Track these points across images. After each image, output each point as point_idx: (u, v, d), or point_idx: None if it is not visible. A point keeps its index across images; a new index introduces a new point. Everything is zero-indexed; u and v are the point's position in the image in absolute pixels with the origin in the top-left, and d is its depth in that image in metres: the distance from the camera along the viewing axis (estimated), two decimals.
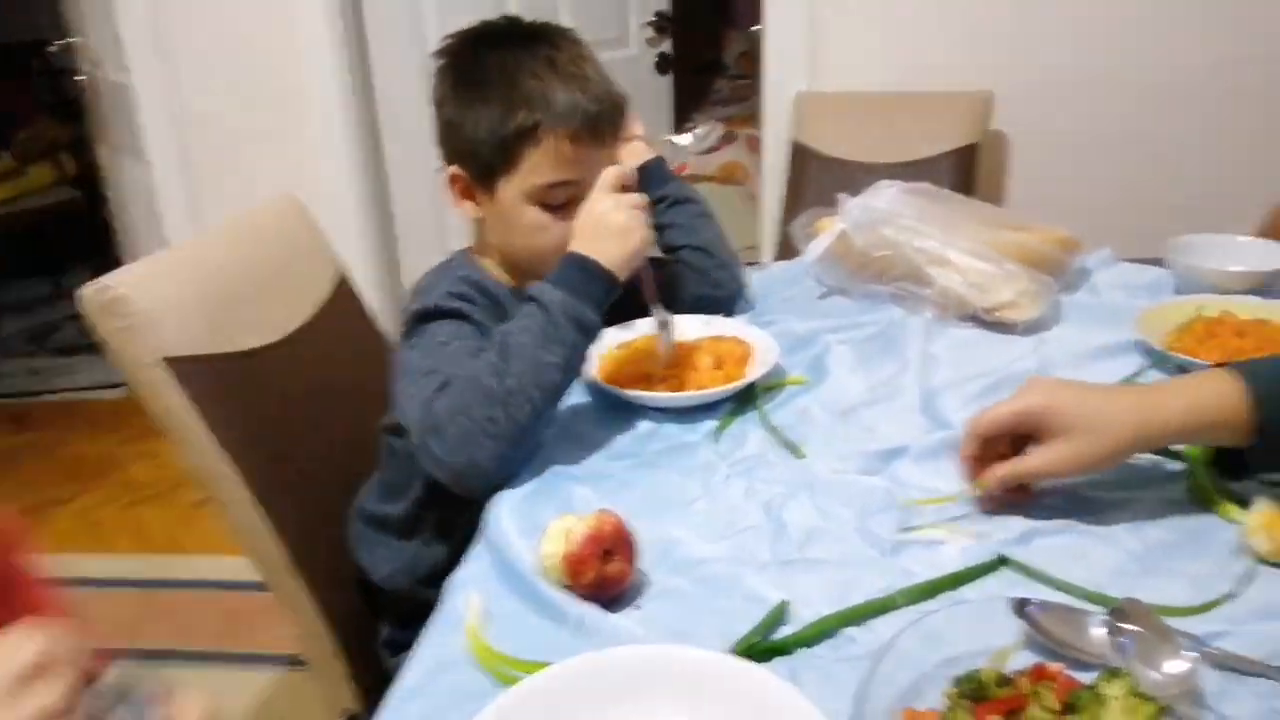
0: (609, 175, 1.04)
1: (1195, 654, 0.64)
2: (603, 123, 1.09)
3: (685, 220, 1.35)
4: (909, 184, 1.36)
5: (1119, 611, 0.67)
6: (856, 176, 2.23)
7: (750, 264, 1.55)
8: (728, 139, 3.56)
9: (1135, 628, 0.65)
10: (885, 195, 1.34)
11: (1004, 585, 0.77)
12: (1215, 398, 0.80)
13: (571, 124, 1.06)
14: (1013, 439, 0.85)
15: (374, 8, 2.57)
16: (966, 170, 2.20)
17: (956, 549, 0.81)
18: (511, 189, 1.10)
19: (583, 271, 1.00)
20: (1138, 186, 2.28)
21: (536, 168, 1.08)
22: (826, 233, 1.37)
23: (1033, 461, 0.81)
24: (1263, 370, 0.81)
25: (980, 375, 1.14)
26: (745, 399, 1.09)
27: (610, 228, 1.01)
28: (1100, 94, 2.28)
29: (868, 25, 2.35)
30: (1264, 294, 1.24)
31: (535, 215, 1.10)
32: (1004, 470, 0.83)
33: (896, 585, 0.77)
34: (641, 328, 1.18)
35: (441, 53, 1.15)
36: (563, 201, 1.09)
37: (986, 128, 2.25)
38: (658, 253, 1.32)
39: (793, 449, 0.99)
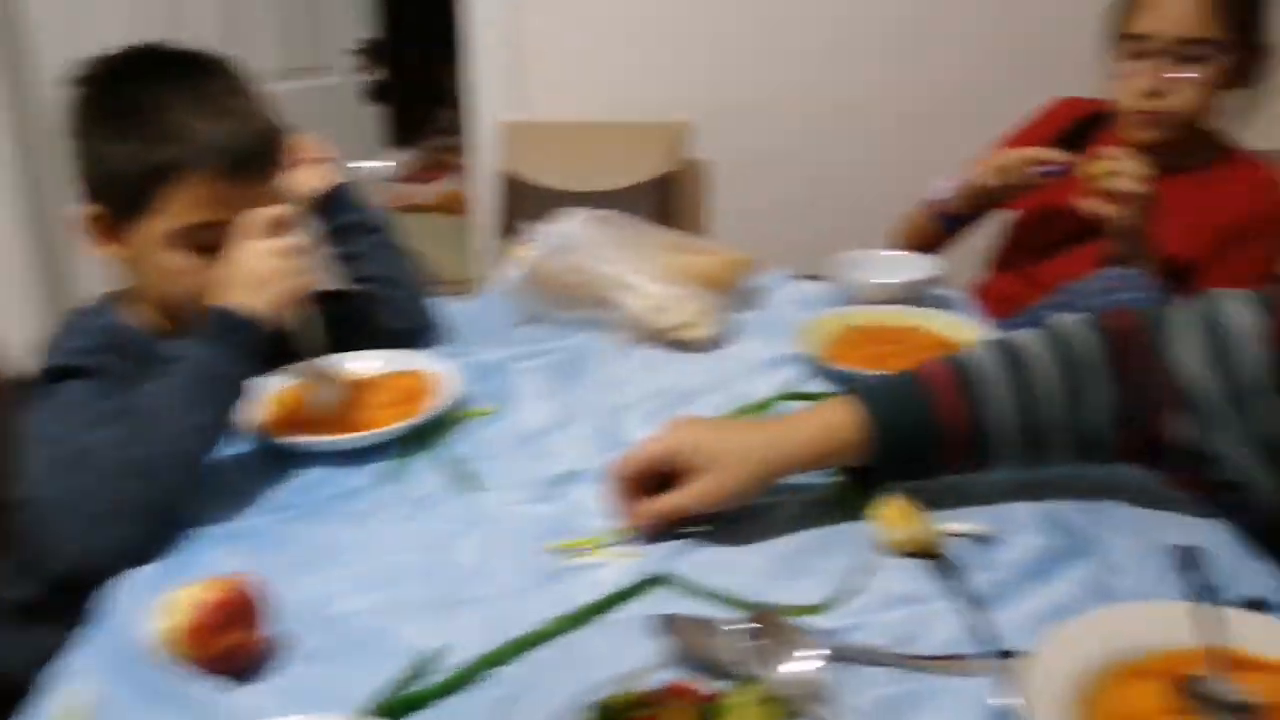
0: (252, 220, 0.98)
1: (822, 650, 0.67)
2: (254, 160, 1.03)
3: (372, 250, 1.30)
4: (596, 211, 1.38)
5: (752, 618, 0.69)
6: (567, 205, 2.29)
7: (455, 294, 1.52)
8: (439, 167, 3.52)
9: (768, 633, 0.68)
10: (573, 223, 1.36)
11: (658, 602, 0.78)
12: (838, 425, 0.86)
13: (217, 161, 0.99)
14: (660, 475, 0.87)
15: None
16: (667, 196, 2.28)
17: (617, 570, 0.82)
18: (155, 231, 1.01)
19: (227, 324, 0.94)
20: (824, 205, 2.45)
21: (181, 208, 1.00)
22: (518, 261, 1.37)
23: (675, 499, 0.84)
24: (879, 393, 0.87)
25: (660, 394, 1.17)
26: (427, 435, 1.06)
27: (253, 277, 0.95)
28: (789, 120, 2.43)
29: (570, 55, 2.39)
30: (915, 303, 1.36)
31: (182, 259, 1.02)
32: (650, 510, 0.85)
33: (554, 614, 0.76)
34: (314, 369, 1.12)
35: (79, 80, 1.05)
36: (213, 243, 1.01)
37: (685, 155, 2.34)
38: (341, 285, 1.27)
39: (469, 482, 0.96)
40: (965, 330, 1.26)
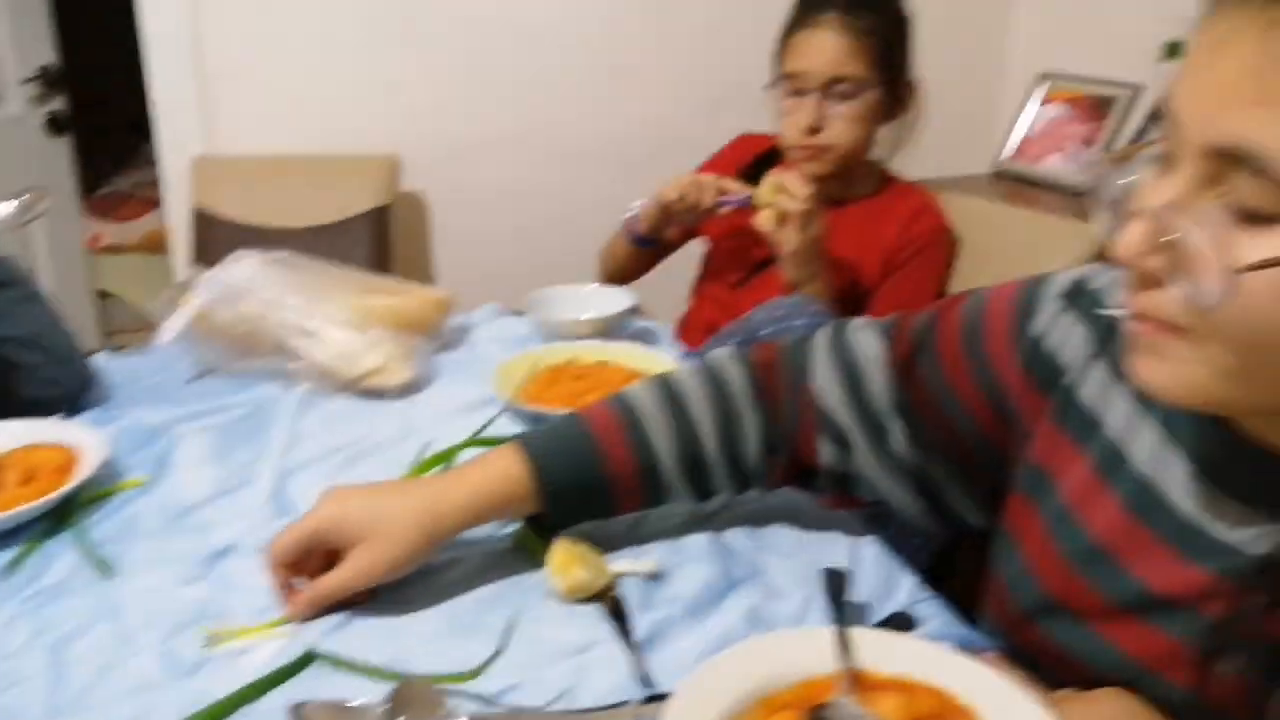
0: None
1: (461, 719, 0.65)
2: None
3: (6, 308, 1.16)
4: (269, 254, 1.30)
5: (397, 693, 0.65)
6: (268, 241, 2.15)
7: (117, 348, 1.39)
8: (142, 204, 3.26)
9: (409, 707, 0.64)
10: (242, 268, 1.27)
11: (313, 682, 0.73)
12: (501, 476, 0.84)
13: None
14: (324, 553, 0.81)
15: None
16: (380, 232, 2.21)
17: (269, 652, 0.76)
18: None
19: None
20: (540, 238, 2.46)
21: None
22: (183, 310, 1.27)
23: (332, 579, 0.79)
24: (542, 440, 0.86)
25: (346, 446, 1.11)
26: (66, 515, 0.95)
27: None
28: (501, 154, 2.43)
29: (266, 88, 2.27)
30: (612, 337, 1.37)
31: None
32: (307, 596, 0.79)
33: (195, 709, 0.69)
34: None
35: None
36: None
37: (397, 189, 2.28)
38: None
39: (103, 568, 0.87)
40: (660, 362, 1.28)
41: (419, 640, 0.78)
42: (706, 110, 2.27)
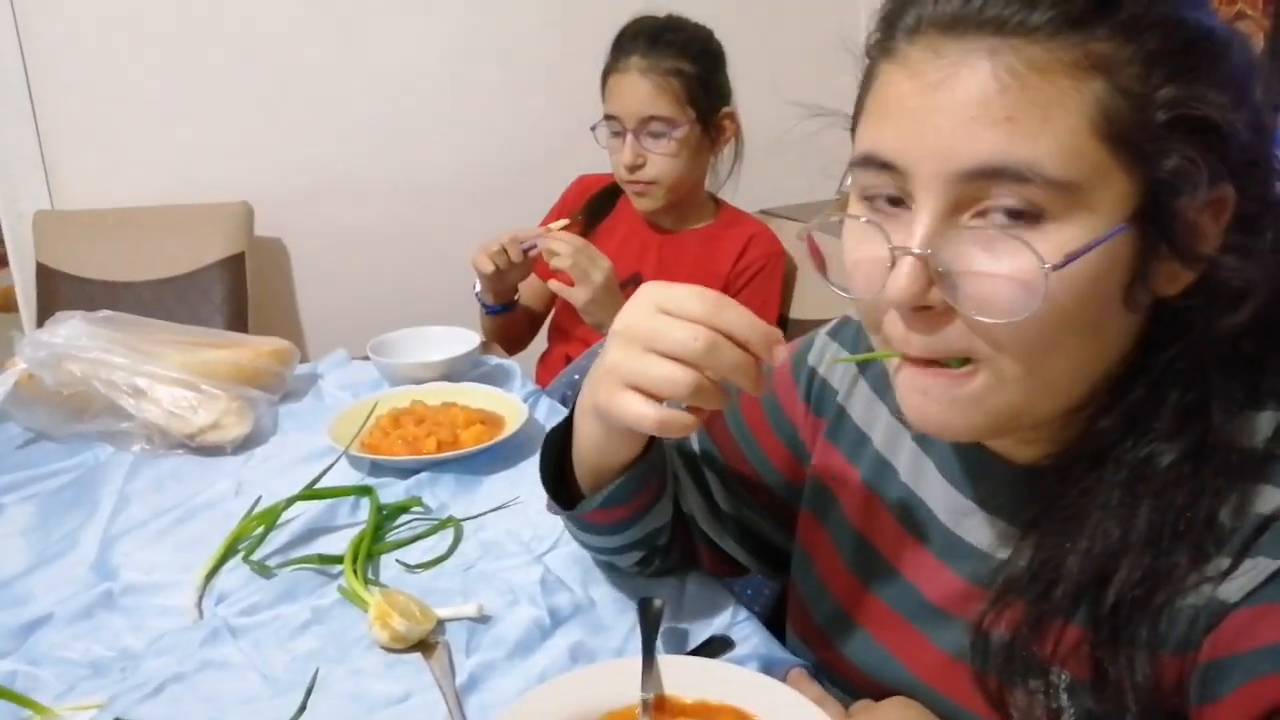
0: None
1: None
2: None
3: None
4: (94, 314, 1.27)
5: None
6: (117, 296, 2.10)
7: None
8: None
9: None
10: (65, 328, 1.24)
11: None
12: None
13: None
14: None
15: None
16: (235, 280, 2.17)
17: None
18: None
19: None
20: (400, 281, 2.44)
21: None
22: (6, 374, 1.23)
23: None
24: None
25: (175, 506, 1.10)
26: None
27: None
28: (358, 198, 2.41)
29: (108, 141, 2.22)
30: (452, 378, 1.38)
31: None
32: None
33: None
34: None
35: None
36: None
37: (251, 236, 2.24)
38: None
39: None
40: (506, 402, 1.29)
41: (234, 703, 0.77)
42: (550, 149, 2.30)
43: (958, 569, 0.67)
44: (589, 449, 0.77)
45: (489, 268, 1.54)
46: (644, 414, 0.65)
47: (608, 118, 1.56)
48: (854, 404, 0.77)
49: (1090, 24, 0.51)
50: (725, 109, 1.59)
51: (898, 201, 0.56)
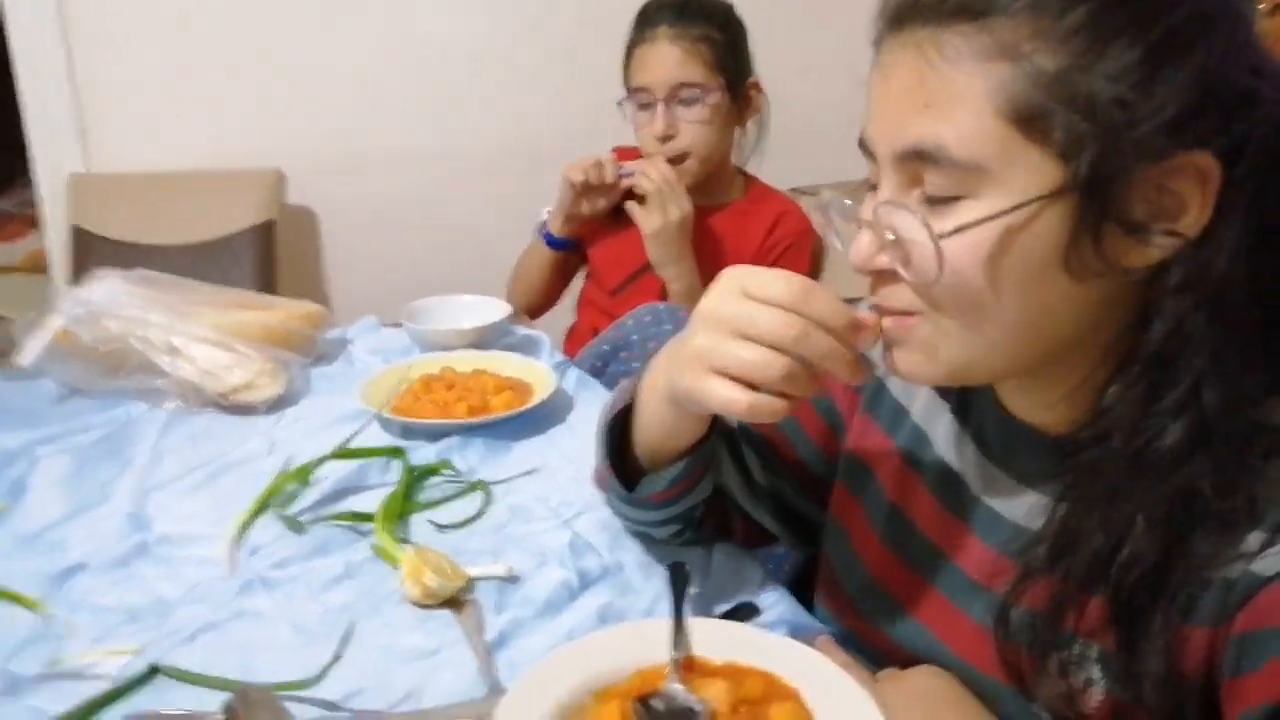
0: None
1: None
2: None
3: None
4: (132, 272, 1.29)
5: (231, 702, 0.66)
6: (149, 259, 2.11)
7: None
8: (24, 223, 3.16)
9: (246, 716, 0.65)
10: (103, 287, 1.25)
11: (157, 697, 0.73)
12: None
13: None
14: None
15: None
16: (265, 247, 2.18)
17: (113, 669, 0.76)
18: None
19: None
20: (428, 251, 2.45)
21: None
22: (42, 330, 1.24)
23: None
24: None
25: (207, 464, 1.10)
26: None
27: None
28: (389, 168, 2.41)
29: (144, 105, 2.23)
30: (482, 346, 1.38)
31: None
32: None
33: None
34: None
35: None
36: None
37: (283, 203, 2.26)
38: None
39: None
40: (535, 371, 1.30)
41: (267, 652, 0.78)
42: (584, 121, 2.29)
43: (991, 541, 0.67)
44: (654, 430, 0.78)
45: (579, 177, 1.54)
46: (734, 398, 0.65)
47: (636, 90, 1.55)
48: (893, 377, 0.77)
49: (999, 8, 0.54)
50: (751, 79, 1.59)
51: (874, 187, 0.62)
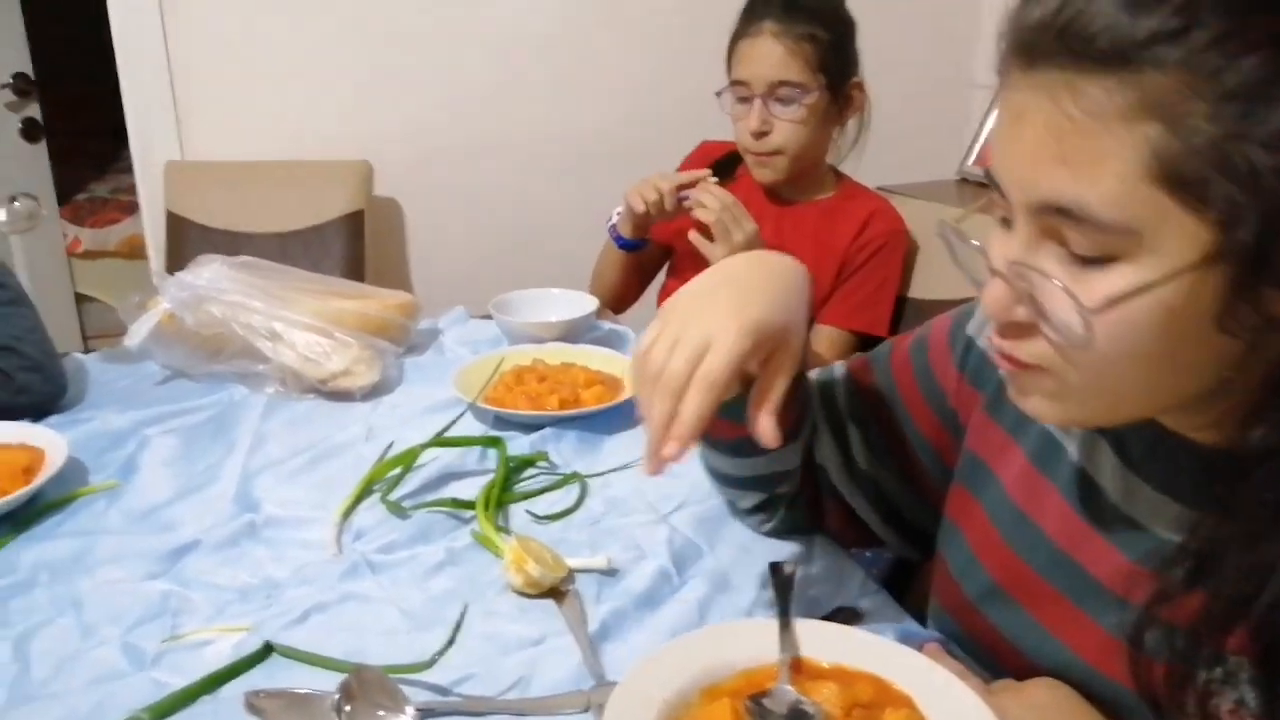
0: None
1: (409, 708, 0.66)
2: None
3: None
4: (234, 259, 1.32)
5: (348, 683, 0.67)
6: (241, 246, 2.17)
7: (88, 351, 1.40)
8: (122, 209, 3.25)
9: (360, 696, 0.66)
10: (208, 271, 1.28)
11: (272, 674, 0.74)
12: None
13: None
14: None
15: None
16: (353, 237, 2.22)
17: (228, 645, 0.78)
18: None
19: None
20: (513, 244, 2.47)
21: None
22: (149, 313, 1.28)
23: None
24: None
25: (308, 448, 1.13)
26: (28, 517, 0.96)
27: None
28: (475, 161, 2.44)
29: (238, 94, 2.28)
30: (570, 340, 1.39)
31: None
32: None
33: (155, 699, 0.71)
34: None
35: None
36: None
37: (371, 194, 2.29)
38: None
39: (68, 565, 0.88)
40: (622, 365, 1.30)
41: (375, 635, 0.79)
42: (669, 116, 2.29)
43: (1128, 550, 0.65)
44: None
45: (641, 207, 1.54)
46: None
47: (736, 83, 1.54)
48: None
49: (1152, 61, 0.49)
50: (854, 79, 1.56)
51: (1008, 222, 0.58)
